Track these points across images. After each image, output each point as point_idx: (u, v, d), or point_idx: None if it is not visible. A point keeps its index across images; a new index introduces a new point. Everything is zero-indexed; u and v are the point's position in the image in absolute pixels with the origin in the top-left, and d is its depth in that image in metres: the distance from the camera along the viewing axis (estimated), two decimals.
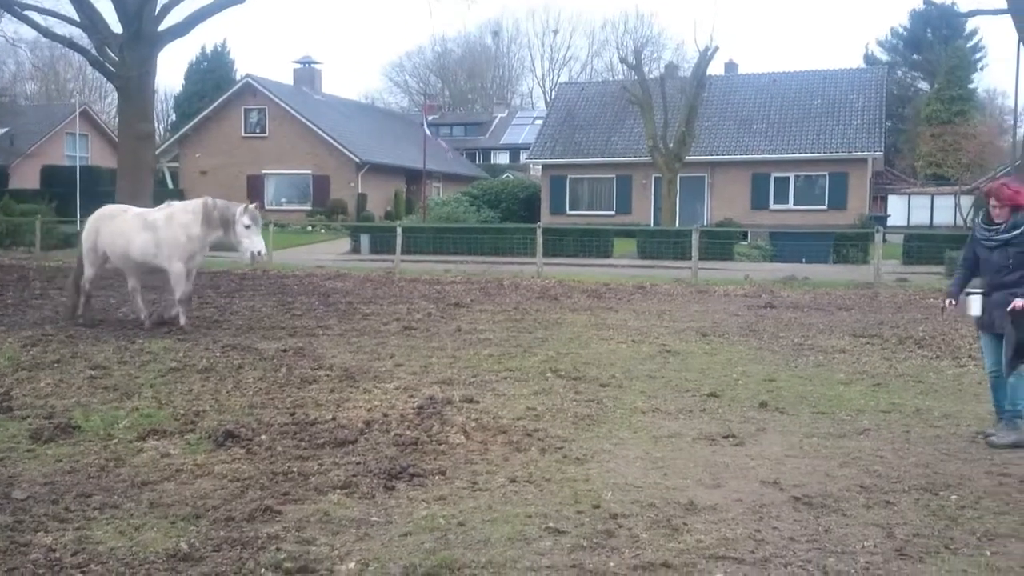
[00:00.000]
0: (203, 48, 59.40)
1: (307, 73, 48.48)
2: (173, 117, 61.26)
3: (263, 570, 4.18)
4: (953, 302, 7.07)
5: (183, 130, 44.85)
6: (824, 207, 35.50)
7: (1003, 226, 6.79)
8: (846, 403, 7.98)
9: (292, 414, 7.14)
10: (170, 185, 44.75)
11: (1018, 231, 6.74)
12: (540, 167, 40.92)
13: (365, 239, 29.59)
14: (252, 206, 11.41)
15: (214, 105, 43.65)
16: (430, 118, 48.92)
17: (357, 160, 41.13)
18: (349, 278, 19.98)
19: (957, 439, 6.81)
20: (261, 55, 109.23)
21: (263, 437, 6.41)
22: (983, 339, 7.10)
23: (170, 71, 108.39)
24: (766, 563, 4.37)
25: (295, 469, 5.73)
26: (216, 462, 5.87)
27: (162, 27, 17.74)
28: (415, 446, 6.24)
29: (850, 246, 25.80)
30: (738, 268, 22.76)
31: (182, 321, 11.45)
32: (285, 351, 10.05)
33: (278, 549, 4.42)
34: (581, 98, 42.49)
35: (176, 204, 11.89)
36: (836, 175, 35.57)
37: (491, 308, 14.66)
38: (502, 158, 64.30)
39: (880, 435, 6.89)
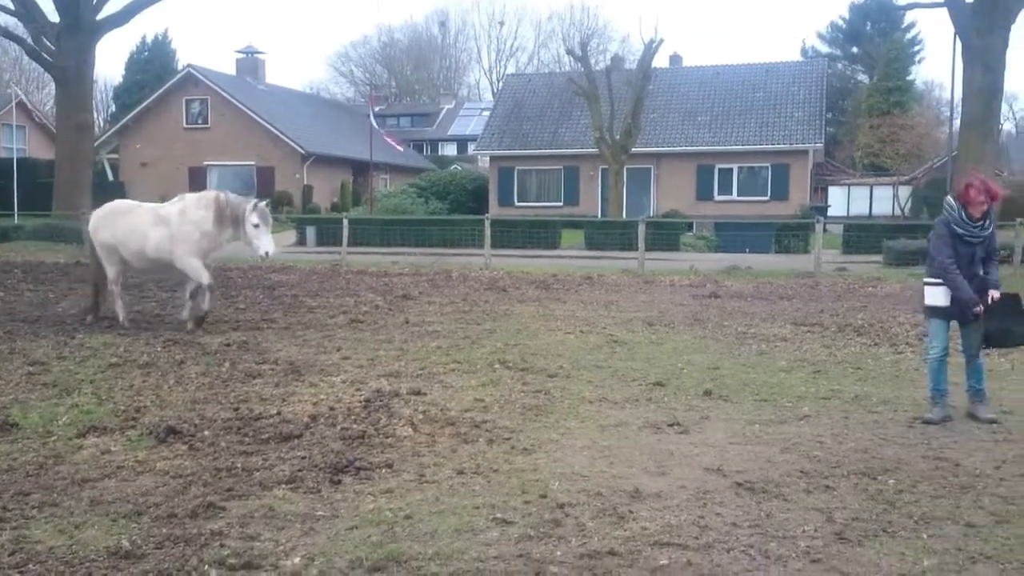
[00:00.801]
0: (144, 38, 58.17)
1: (250, 63, 47.70)
2: (113, 108, 59.86)
3: (206, 567, 4.13)
4: (982, 307, 7.02)
5: (123, 121, 43.80)
6: (767, 198, 36.07)
7: (986, 222, 7.00)
8: (787, 390, 8.13)
9: (236, 409, 7.05)
10: (110, 177, 43.74)
11: (991, 223, 7.01)
12: (488, 158, 40.90)
13: (311, 231, 29.28)
14: (262, 204, 11.00)
15: (155, 95, 42.69)
16: (377, 109, 48.54)
17: (302, 151, 40.62)
18: (295, 271, 19.77)
19: (895, 424, 6.99)
20: (203, 45, 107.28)
21: (206, 433, 6.32)
22: (933, 324, 7.29)
23: (110, 61, 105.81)
24: (709, 549, 4.45)
25: (239, 464, 5.66)
26: (158, 458, 5.78)
27: (101, 16, 17.34)
28: (362, 439, 6.21)
29: (791, 236, 26.30)
30: (683, 258, 23.02)
31: (205, 307, 11.12)
32: (229, 345, 9.91)
33: (222, 545, 4.37)
34: (528, 89, 42.53)
35: (189, 197, 11.36)
36: (778, 167, 36.15)
37: (439, 300, 14.63)
38: (450, 149, 64.08)
39: (820, 421, 7.04)
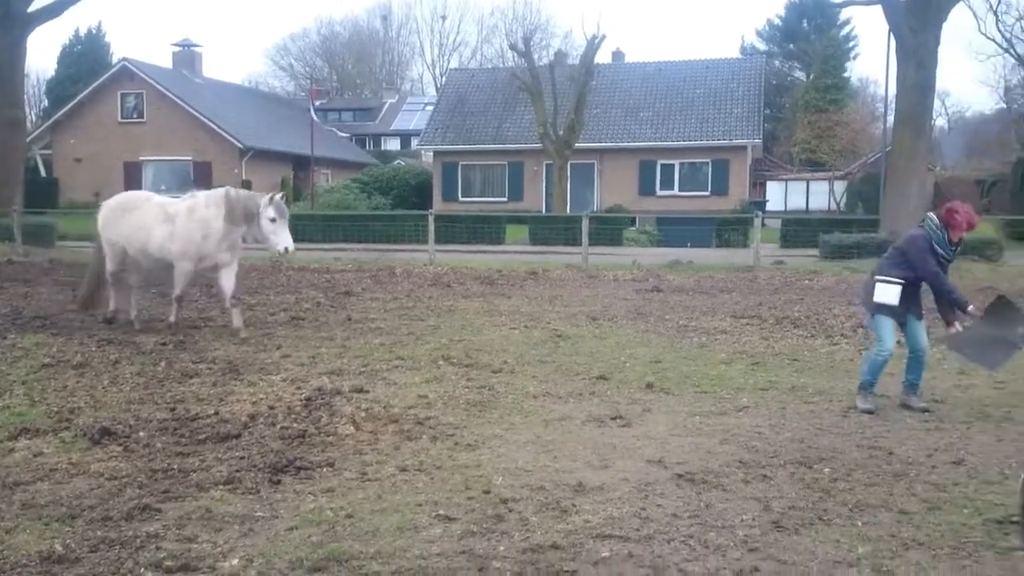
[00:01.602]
0: (77, 31, 56.35)
1: (187, 56, 46.73)
2: (45, 103, 58.00)
3: (142, 570, 4.05)
4: (972, 307, 7.26)
5: (56, 116, 42.54)
6: (707, 193, 36.56)
7: (958, 247, 7.28)
8: (727, 382, 8.26)
9: (172, 409, 6.92)
10: (43, 173, 42.50)
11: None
12: (432, 153, 40.71)
13: None
14: (278, 196, 10.40)
15: (89, 90, 41.57)
16: (317, 103, 47.99)
17: (241, 146, 39.99)
18: None
19: (830, 414, 7.14)
20: (138, 38, 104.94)
21: (141, 434, 6.19)
22: (882, 323, 7.44)
23: (42, 54, 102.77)
24: (650, 540, 4.50)
25: (175, 466, 5.56)
26: (92, 460, 5.64)
27: (32, 8, 16.79)
28: (302, 438, 6.14)
29: (731, 231, 26.68)
30: (627, 253, 23.21)
31: (172, 319, 10.63)
32: (164, 344, 9.70)
33: (158, 548, 4.29)
34: (472, 84, 42.45)
35: (200, 195, 10.64)
36: (718, 162, 36.66)
37: (382, 296, 14.53)
38: (393, 144, 63.65)
39: (758, 412, 7.17)
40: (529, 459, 5.84)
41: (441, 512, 4.82)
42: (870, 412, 7.15)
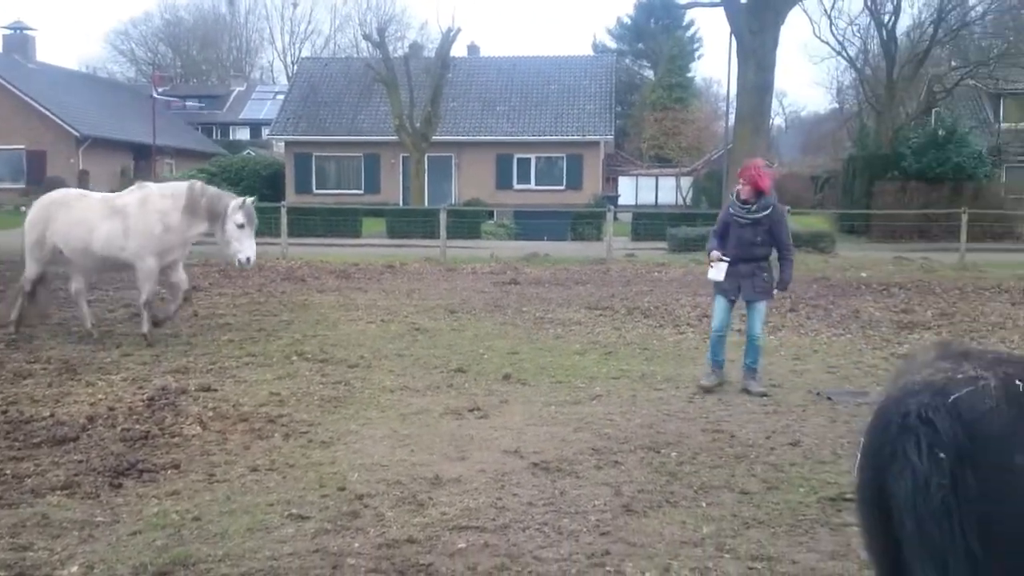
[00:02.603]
0: None
1: (19, 40, 43.73)
2: None
3: None
4: (718, 253, 7.71)
5: None
6: (563, 187, 37.23)
7: (754, 206, 7.56)
8: (581, 371, 8.45)
9: (4, 412, 6.50)
10: None
11: (767, 211, 7.57)
12: (284, 144, 39.60)
13: None
14: (249, 201, 9.57)
15: None
16: (160, 89, 45.81)
17: (77, 134, 37.76)
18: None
19: (677, 400, 7.43)
20: None
21: None
22: (717, 301, 7.83)
23: None
24: (506, 529, 4.54)
25: (8, 471, 5.23)
26: None
27: None
28: (145, 440, 5.87)
29: (585, 224, 27.31)
30: (485, 246, 23.35)
31: (144, 329, 9.56)
32: None
33: None
34: (325, 74, 41.52)
35: (152, 186, 9.83)
36: (573, 157, 37.40)
37: (232, 291, 14.04)
38: (242, 134, 61.45)
39: (610, 400, 7.37)
40: (386, 454, 5.79)
41: (294, 511, 4.71)
42: (706, 389, 7.56)
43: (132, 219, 9.44)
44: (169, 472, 5.32)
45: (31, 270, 9.88)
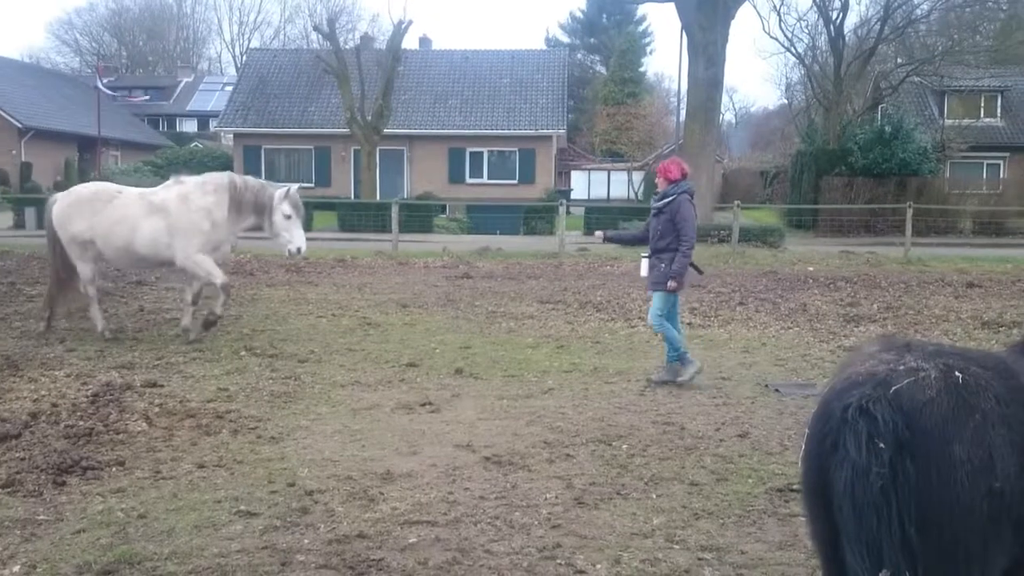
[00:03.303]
0: None
1: None
2: None
3: None
4: (600, 234, 8.35)
5: None
6: (515, 181, 37.26)
7: (663, 198, 7.64)
8: (533, 365, 8.47)
9: None
10: None
11: (667, 200, 7.63)
12: (232, 136, 39.02)
13: (31, 213, 26.55)
14: (294, 189, 9.35)
15: None
16: (105, 80, 44.69)
17: (19, 125, 36.86)
18: (11, 256, 17.84)
19: (628, 393, 7.48)
20: None
21: None
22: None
23: None
24: (457, 523, 4.54)
25: None
26: None
27: None
28: (89, 437, 5.75)
29: (538, 219, 27.33)
30: (437, 240, 23.26)
31: (219, 310, 9.41)
32: None
33: None
34: (274, 65, 40.99)
35: (190, 181, 9.43)
36: (525, 151, 37.43)
37: (179, 285, 13.76)
38: (189, 126, 60.40)
39: (562, 393, 7.40)
40: (336, 449, 5.74)
41: (242, 508, 4.66)
42: (678, 384, 7.66)
43: (174, 216, 9.12)
44: (114, 469, 5.22)
45: (85, 272, 9.47)
